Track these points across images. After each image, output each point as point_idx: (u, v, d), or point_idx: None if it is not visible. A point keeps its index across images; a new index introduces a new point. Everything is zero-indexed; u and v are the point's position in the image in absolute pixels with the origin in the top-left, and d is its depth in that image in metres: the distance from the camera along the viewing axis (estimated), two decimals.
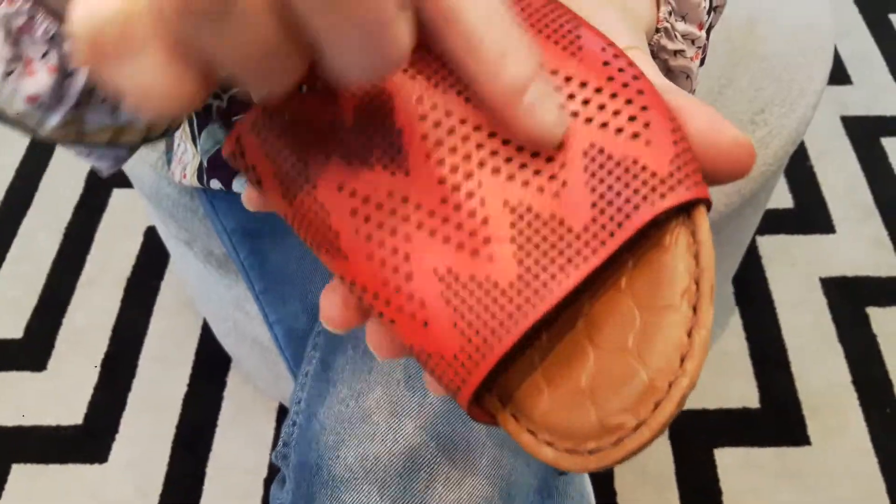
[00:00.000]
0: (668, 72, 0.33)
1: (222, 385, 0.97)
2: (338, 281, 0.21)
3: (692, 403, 0.94)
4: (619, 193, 0.19)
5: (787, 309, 1.01)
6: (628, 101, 0.20)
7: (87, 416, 0.95)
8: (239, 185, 0.48)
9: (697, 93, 0.67)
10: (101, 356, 1.00)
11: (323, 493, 0.33)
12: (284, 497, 0.36)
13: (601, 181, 0.19)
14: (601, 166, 0.19)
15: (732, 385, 0.95)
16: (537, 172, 0.19)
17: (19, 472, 0.90)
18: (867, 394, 0.93)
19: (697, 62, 0.34)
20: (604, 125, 0.19)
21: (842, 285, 1.03)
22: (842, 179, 1.14)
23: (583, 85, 0.20)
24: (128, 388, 0.97)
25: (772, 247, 1.07)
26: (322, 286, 0.45)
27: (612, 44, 0.21)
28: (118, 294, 1.06)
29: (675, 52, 0.32)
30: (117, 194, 1.17)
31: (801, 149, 1.18)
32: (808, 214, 1.10)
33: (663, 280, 0.19)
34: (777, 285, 1.03)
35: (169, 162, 0.58)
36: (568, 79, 0.20)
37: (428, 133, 0.20)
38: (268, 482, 0.89)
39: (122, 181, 1.18)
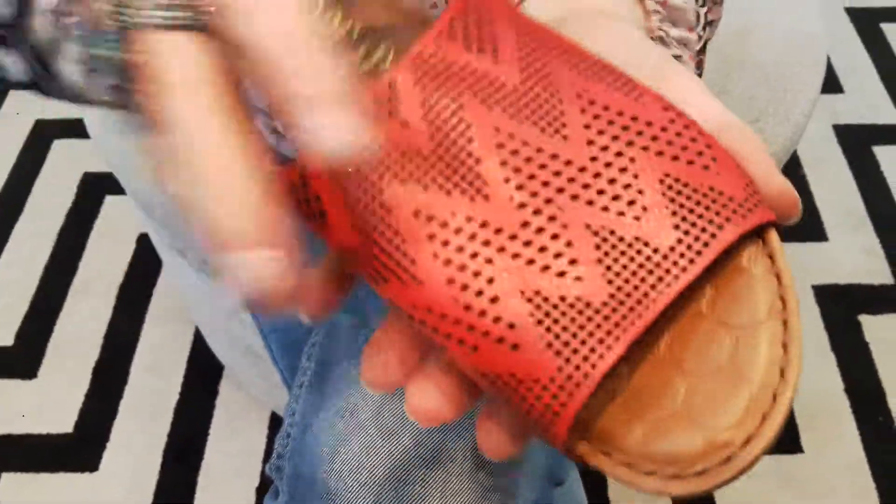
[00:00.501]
0: None
1: (214, 393, 0.97)
2: (386, 337, 0.21)
3: None
4: (700, 216, 0.20)
5: None
6: (693, 140, 0.21)
7: (77, 425, 0.94)
8: None
9: None
10: (93, 364, 0.99)
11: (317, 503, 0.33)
12: None
13: (681, 206, 0.20)
14: (679, 192, 0.20)
15: None
16: (616, 198, 0.20)
17: (9, 481, 0.89)
18: (860, 402, 0.94)
19: (693, 64, 0.34)
20: (675, 158, 0.20)
21: (834, 293, 1.03)
22: (834, 188, 1.15)
23: (649, 124, 0.21)
24: (119, 396, 0.96)
25: None
26: None
27: (662, 97, 0.22)
28: (110, 301, 1.05)
29: (674, 58, 0.32)
30: (110, 201, 1.17)
31: (793, 157, 1.19)
32: (801, 222, 1.10)
33: (749, 300, 0.20)
34: None
35: None
36: (634, 118, 0.21)
37: (506, 160, 0.20)
38: (259, 491, 0.89)
39: (115, 188, 1.18)
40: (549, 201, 0.20)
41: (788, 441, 0.91)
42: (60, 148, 1.24)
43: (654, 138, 0.21)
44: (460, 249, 0.20)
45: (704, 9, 0.37)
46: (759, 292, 0.20)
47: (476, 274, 0.19)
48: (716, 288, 0.20)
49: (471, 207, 0.20)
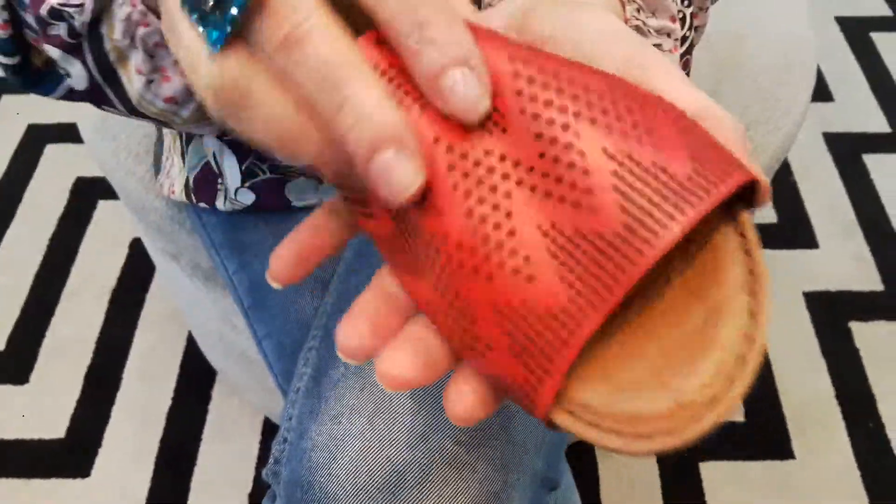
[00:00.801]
0: None
1: (207, 398, 0.97)
2: (363, 303, 0.22)
3: None
4: (712, 159, 0.20)
5: (772, 323, 1.02)
6: (640, 101, 0.21)
7: (69, 430, 0.94)
8: (222, 203, 0.48)
9: None
10: (85, 369, 0.99)
11: None
12: None
13: (698, 146, 0.20)
14: (693, 132, 0.20)
15: None
16: (636, 125, 0.20)
17: (0, 487, 0.89)
18: (850, 408, 0.94)
19: (677, 55, 0.34)
20: (623, 126, 0.20)
21: (825, 300, 1.04)
22: (824, 195, 1.16)
23: (598, 93, 0.21)
24: (111, 402, 0.96)
25: None
26: (311, 300, 0.45)
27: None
28: (103, 306, 1.05)
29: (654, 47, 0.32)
30: (103, 206, 1.17)
31: (784, 165, 1.20)
32: (792, 230, 1.12)
33: (721, 274, 0.20)
34: None
35: (157, 174, 0.58)
36: (586, 88, 0.21)
37: (522, 89, 0.20)
38: (252, 497, 0.89)
39: (108, 193, 1.18)
40: (566, 127, 0.20)
41: (780, 446, 0.91)
42: (53, 152, 1.24)
43: (604, 109, 0.21)
44: (480, 182, 0.20)
45: (690, 9, 0.37)
46: (730, 267, 0.20)
47: (495, 207, 0.20)
48: (689, 263, 0.21)
49: (489, 140, 0.20)
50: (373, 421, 0.33)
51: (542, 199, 0.20)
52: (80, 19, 0.29)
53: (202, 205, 0.48)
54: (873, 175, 1.18)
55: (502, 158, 0.20)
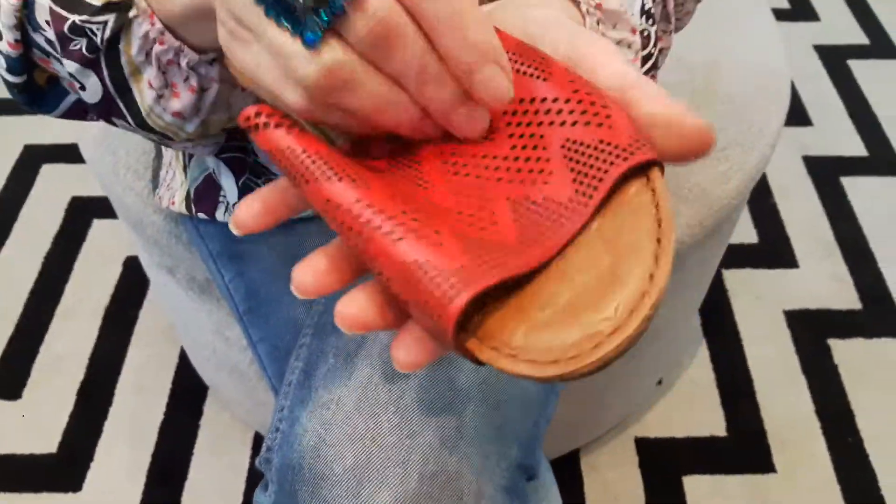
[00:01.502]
0: None
1: (198, 414, 0.98)
2: (323, 250, 0.25)
3: (661, 431, 0.96)
4: (592, 166, 0.24)
5: (753, 341, 1.05)
6: (591, 104, 0.25)
7: (61, 445, 0.95)
8: (222, 214, 0.50)
9: None
10: (78, 385, 1.00)
11: (304, 490, 0.35)
12: (267, 500, 0.38)
13: (578, 161, 0.24)
14: (576, 151, 0.24)
15: (700, 414, 0.97)
16: (530, 171, 0.25)
17: None
18: (830, 423, 0.97)
19: (638, 64, 0.37)
20: (574, 123, 0.25)
21: (805, 318, 1.07)
22: (804, 217, 1.19)
23: (555, 100, 0.25)
24: (104, 417, 0.97)
25: (737, 281, 1.11)
26: (303, 302, 0.48)
27: (570, 69, 0.26)
28: (96, 323, 1.07)
29: None
30: (97, 225, 1.18)
31: (764, 187, 1.23)
32: (772, 250, 1.15)
33: (631, 224, 0.23)
34: (743, 318, 1.07)
35: (155, 188, 0.60)
36: (543, 99, 0.25)
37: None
38: None
39: (103, 212, 1.19)
40: (477, 190, 0.26)
41: (761, 460, 0.93)
42: (49, 172, 1.26)
43: (559, 111, 0.25)
44: (455, 161, 0.26)
45: (654, 27, 0.40)
46: (640, 218, 0.23)
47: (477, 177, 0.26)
48: (604, 216, 0.24)
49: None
50: (359, 407, 0.36)
51: (465, 226, 0.24)
52: (102, 35, 0.31)
53: (201, 215, 0.51)
54: (851, 197, 1.21)
55: (486, 156, 0.25)
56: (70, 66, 0.33)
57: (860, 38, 1.49)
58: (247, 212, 0.26)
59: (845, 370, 1.01)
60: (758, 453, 0.94)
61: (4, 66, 0.35)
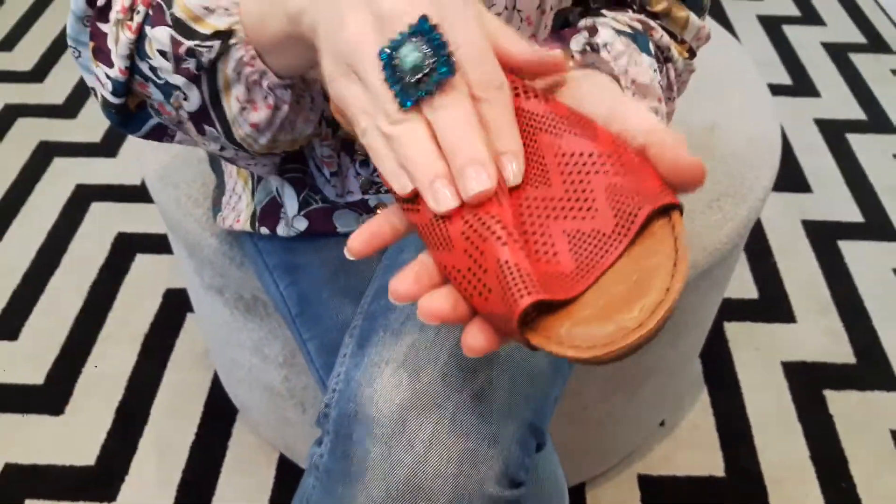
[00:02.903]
0: None
1: (227, 436, 1.04)
2: (409, 266, 0.33)
3: (663, 470, 1.01)
4: (629, 205, 0.32)
5: (752, 389, 1.10)
6: (629, 158, 0.33)
7: (99, 459, 1.01)
8: (283, 229, 0.59)
9: None
10: (116, 404, 1.07)
11: (359, 430, 0.42)
12: (323, 448, 0.45)
13: (618, 202, 0.32)
14: (617, 194, 0.32)
15: (701, 456, 1.03)
16: (580, 209, 0.33)
17: None
18: (824, 469, 1.01)
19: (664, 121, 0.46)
20: (616, 173, 0.33)
21: (801, 370, 1.13)
22: (802, 276, 1.26)
23: (600, 155, 0.33)
24: (139, 435, 1.04)
25: (738, 333, 1.17)
26: (349, 305, 0.56)
27: (612, 132, 0.35)
28: (135, 349, 1.14)
29: None
30: (140, 259, 1.28)
31: (765, 247, 1.31)
32: (772, 305, 1.21)
33: (654, 250, 0.31)
34: (742, 367, 1.13)
35: (215, 214, 0.69)
36: (591, 154, 0.34)
37: (520, 206, 0.34)
38: None
39: (146, 247, 1.29)
40: (541, 224, 0.33)
41: (758, 502, 0.98)
42: (97, 209, 1.36)
43: (603, 163, 0.33)
44: (483, 238, 0.32)
45: (674, 93, 0.49)
46: (662, 246, 0.31)
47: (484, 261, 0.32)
48: (637, 244, 0.32)
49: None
50: (403, 365, 0.43)
51: (564, 218, 0.33)
52: (208, 56, 0.40)
53: (263, 230, 0.59)
54: (847, 259, 1.29)
55: (545, 198, 0.34)
56: (179, 80, 0.41)
57: (858, 113, 1.58)
58: (358, 239, 0.34)
59: (840, 420, 1.07)
60: (755, 495, 0.99)
61: (111, 89, 0.43)
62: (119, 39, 0.41)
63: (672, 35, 0.53)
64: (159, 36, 0.40)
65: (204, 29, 0.40)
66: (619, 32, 0.46)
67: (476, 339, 0.31)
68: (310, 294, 0.58)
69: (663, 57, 0.52)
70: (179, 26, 0.40)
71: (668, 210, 0.32)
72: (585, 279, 0.31)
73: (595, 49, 0.44)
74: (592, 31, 0.46)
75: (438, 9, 0.31)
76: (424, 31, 0.31)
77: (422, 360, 0.44)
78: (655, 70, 0.47)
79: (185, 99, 0.43)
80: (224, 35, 0.40)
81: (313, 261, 0.59)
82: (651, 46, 0.49)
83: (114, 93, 0.44)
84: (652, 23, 0.51)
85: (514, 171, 0.33)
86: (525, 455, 0.45)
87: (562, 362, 0.51)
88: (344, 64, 0.32)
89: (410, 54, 0.31)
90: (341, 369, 0.47)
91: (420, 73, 0.31)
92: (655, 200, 0.31)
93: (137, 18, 0.41)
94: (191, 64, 0.40)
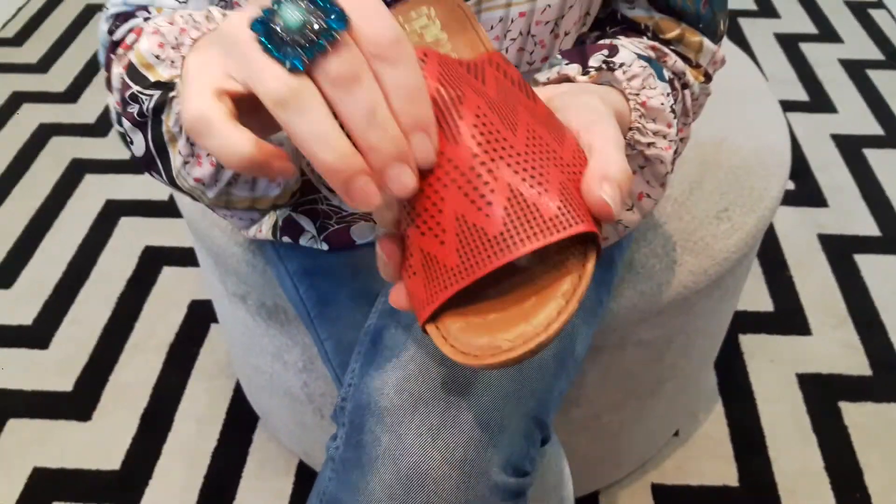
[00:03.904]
0: (646, 158, 0.47)
1: (248, 443, 1.07)
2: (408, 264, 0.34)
3: (677, 479, 1.02)
4: (570, 210, 0.32)
5: (766, 400, 1.11)
6: (582, 171, 0.34)
7: (124, 463, 1.04)
8: (305, 240, 0.62)
9: (674, 191, 0.81)
10: (141, 411, 1.10)
11: (371, 420, 0.45)
12: (338, 441, 0.47)
13: (565, 200, 0.32)
14: (566, 193, 0.32)
15: (714, 466, 1.03)
16: (532, 177, 0.32)
17: None
18: (839, 479, 1.02)
19: (671, 152, 0.47)
20: (569, 177, 0.33)
21: (816, 381, 1.13)
22: (818, 289, 1.26)
23: (562, 157, 0.33)
24: (163, 441, 1.07)
25: (753, 345, 1.18)
26: (364, 306, 0.59)
27: (576, 143, 0.35)
28: (161, 358, 1.18)
29: (649, 144, 0.46)
30: (166, 272, 1.31)
31: (781, 261, 1.31)
32: (787, 318, 1.22)
33: (556, 283, 0.32)
34: (757, 379, 1.14)
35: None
36: (555, 151, 0.34)
37: (476, 124, 0.32)
38: None
39: (172, 260, 1.33)
40: (492, 160, 0.31)
41: None
42: (126, 224, 1.40)
43: (563, 164, 0.33)
44: (438, 177, 0.32)
45: (677, 121, 0.51)
46: (565, 275, 0.32)
47: (432, 190, 0.32)
48: (552, 254, 0.33)
49: (443, 145, 0.31)
50: (413, 359, 0.46)
51: (463, 197, 0.32)
52: (147, 105, 0.41)
53: (286, 239, 0.62)
54: (864, 273, 1.29)
55: (454, 165, 0.31)
56: (126, 124, 0.43)
57: (875, 129, 1.59)
58: (400, 295, 0.35)
59: (855, 431, 1.07)
60: None
61: (115, 118, 0.45)
62: (114, 73, 0.43)
63: (686, 60, 0.54)
64: (115, 75, 0.42)
65: (150, 76, 0.41)
66: (640, 56, 0.48)
67: (398, 298, 0.34)
68: (328, 296, 0.61)
69: (680, 83, 0.53)
70: (131, 70, 0.41)
71: (584, 240, 0.32)
72: (498, 257, 0.31)
73: (611, 68, 0.45)
74: (613, 50, 0.47)
75: None
76: None
77: (431, 354, 0.46)
78: (668, 94, 0.48)
79: (130, 143, 0.44)
80: (164, 86, 0.41)
81: (331, 265, 0.61)
82: (666, 74, 0.50)
83: (116, 121, 0.45)
84: (665, 49, 0.52)
85: (424, 153, 0.29)
86: (530, 446, 0.47)
87: (566, 357, 0.53)
88: (232, 61, 0.29)
89: (290, 13, 0.27)
90: (356, 365, 0.50)
91: (306, 32, 0.27)
92: (574, 224, 0.31)
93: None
94: (134, 109, 0.42)
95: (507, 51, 0.52)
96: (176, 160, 0.43)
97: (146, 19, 0.46)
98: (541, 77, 0.47)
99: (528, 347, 0.31)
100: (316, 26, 0.27)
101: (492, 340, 0.31)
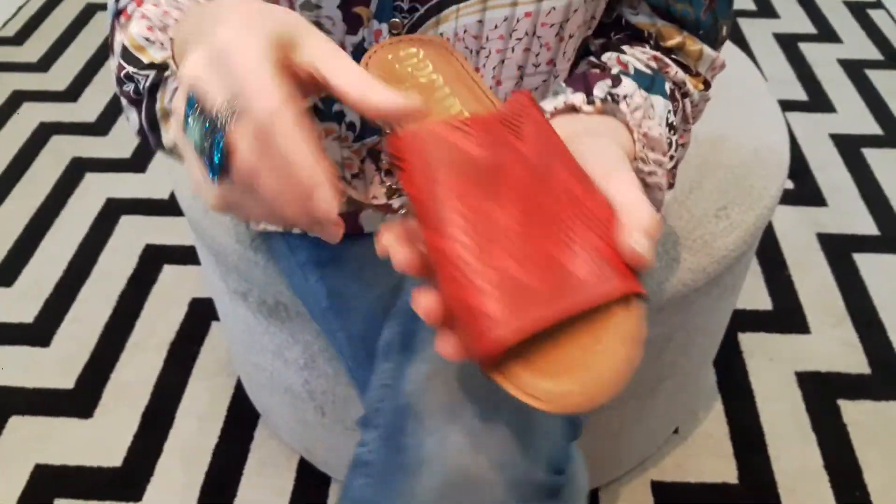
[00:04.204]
0: (646, 185, 0.49)
1: (249, 440, 1.07)
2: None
3: (676, 477, 1.02)
4: (605, 270, 0.33)
5: (766, 399, 1.11)
6: (610, 226, 0.35)
7: (126, 461, 1.04)
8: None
9: (673, 190, 0.81)
10: (143, 409, 1.11)
11: (412, 423, 0.45)
12: (372, 446, 0.47)
13: (597, 259, 0.33)
14: (598, 252, 0.34)
15: (714, 463, 1.04)
16: (564, 242, 0.34)
17: None
18: (838, 477, 1.02)
19: (666, 181, 0.50)
20: (601, 237, 0.34)
21: (815, 380, 1.13)
22: (817, 288, 1.27)
23: (593, 210, 0.35)
24: (164, 438, 1.07)
25: (752, 343, 1.19)
26: (376, 296, 0.59)
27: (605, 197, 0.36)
28: (161, 356, 1.18)
29: (649, 173, 0.48)
30: (167, 270, 1.32)
31: (780, 260, 1.32)
32: (786, 317, 1.22)
33: (609, 328, 0.33)
34: (756, 377, 1.14)
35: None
36: (588, 207, 0.35)
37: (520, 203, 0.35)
38: None
39: (173, 259, 1.33)
40: (532, 231, 0.34)
41: None
42: (127, 222, 1.40)
43: (598, 220, 0.35)
44: (467, 232, 0.33)
45: (676, 136, 0.52)
46: (617, 328, 0.33)
47: (479, 250, 0.33)
48: (598, 311, 0.33)
49: (489, 208, 0.34)
50: (447, 361, 0.46)
51: (547, 237, 0.34)
52: (143, 84, 0.43)
53: (296, 229, 0.62)
54: (862, 272, 1.29)
55: (501, 229, 0.34)
56: (123, 101, 0.46)
57: (874, 129, 1.59)
58: (428, 302, 0.34)
59: (854, 429, 1.07)
60: (768, 503, 1.00)
61: (114, 80, 0.48)
62: (116, 40, 0.46)
63: (686, 69, 0.55)
64: (117, 41, 0.45)
65: (144, 58, 0.43)
66: (639, 74, 0.49)
67: (444, 348, 0.33)
68: (339, 287, 0.61)
69: (680, 93, 0.54)
70: (125, 53, 0.44)
71: (627, 297, 0.33)
72: (549, 308, 0.32)
73: (615, 100, 0.47)
74: (616, 80, 0.49)
75: (217, 60, 0.31)
76: (193, 106, 0.31)
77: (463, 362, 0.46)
78: (670, 111, 0.50)
79: (127, 119, 0.47)
80: (159, 67, 0.43)
81: (342, 255, 0.62)
82: (667, 85, 0.52)
83: (117, 81, 0.48)
84: (667, 59, 0.53)
85: (324, 204, 0.31)
86: (566, 443, 0.47)
87: None
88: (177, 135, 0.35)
89: (193, 132, 0.32)
90: (387, 365, 0.50)
91: (209, 145, 0.31)
92: (629, 283, 0.33)
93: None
94: (129, 88, 0.44)
95: (513, 51, 0.52)
96: (170, 134, 0.45)
97: None
98: (547, 106, 0.48)
99: (602, 398, 0.31)
100: (213, 140, 0.31)
101: (558, 385, 0.32)
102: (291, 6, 0.49)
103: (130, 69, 0.43)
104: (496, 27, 0.50)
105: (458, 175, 0.35)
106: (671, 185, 0.54)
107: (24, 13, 1.96)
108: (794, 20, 1.94)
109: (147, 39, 0.42)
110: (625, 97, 0.47)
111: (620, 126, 0.46)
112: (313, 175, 0.31)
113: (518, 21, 0.50)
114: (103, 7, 1.98)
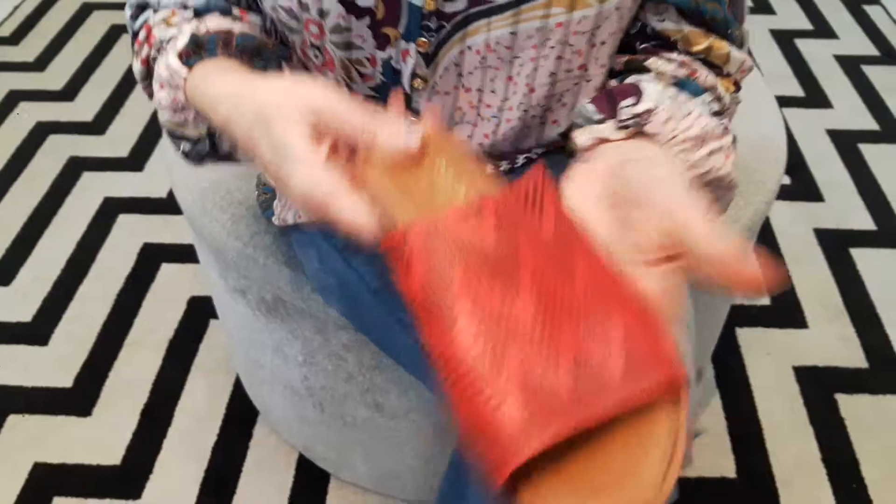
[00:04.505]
0: (706, 184, 0.49)
1: (248, 437, 1.07)
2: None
3: None
4: (641, 357, 0.30)
5: (763, 393, 1.12)
6: (651, 324, 0.32)
7: (125, 458, 1.04)
8: None
9: None
10: (142, 406, 1.11)
11: None
12: None
13: (631, 347, 0.31)
14: (631, 339, 0.31)
15: (712, 458, 1.04)
16: (595, 332, 0.31)
17: None
18: (836, 470, 1.02)
19: (730, 160, 0.50)
20: (635, 322, 0.32)
21: (813, 374, 1.14)
22: (814, 283, 1.27)
23: (623, 297, 0.33)
24: (163, 436, 1.07)
25: (750, 338, 1.19)
26: None
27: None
28: (160, 354, 1.18)
29: (707, 171, 0.49)
30: (165, 268, 1.32)
31: (777, 255, 1.32)
32: (784, 311, 1.23)
33: (652, 426, 0.30)
34: (754, 372, 1.14)
35: (268, 217, 0.75)
36: (615, 293, 0.33)
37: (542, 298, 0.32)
38: None
39: (171, 257, 1.33)
40: (554, 326, 0.31)
41: (769, 503, 0.99)
42: (125, 221, 1.40)
43: (622, 302, 0.32)
44: (480, 336, 0.30)
45: (725, 120, 0.53)
46: (659, 427, 0.30)
47: (493, 354, 0.30)
48: (629, 424, 0.30)
49: (506, 300, 0.31)
50: None
51: (575, 331, 0.31)
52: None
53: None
54: (859, 266, 1.30)
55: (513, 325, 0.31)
56: (136, 65, 0.54)
57: (871, 124, 1.60)
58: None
59: (851, 423, 1.08)
60: (766, 497, 1.00)
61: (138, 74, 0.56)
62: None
63: (716, 69, 0.54)
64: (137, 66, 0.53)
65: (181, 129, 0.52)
66: (664, 77, 0.49)
67: None
68: (386, 268, 0.60)
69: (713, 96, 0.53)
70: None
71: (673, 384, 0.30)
72: (577, 414, 0.29)
73: (642, 124, 0.47)
74: (638, 96, 0.48)
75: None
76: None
77: None
78: (707, 103, 0.49)
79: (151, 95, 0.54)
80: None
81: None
82: (699, 84, 0.51)
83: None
84: (695, 65, 0.52)
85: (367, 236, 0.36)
86: None
87: None
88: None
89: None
90: None
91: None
92: (668, 368, 0.30)
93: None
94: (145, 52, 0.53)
95: (546, 59, 0.52)
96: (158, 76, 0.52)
97: (155, 11, 0.54)
98: (578, 140, 0.49)
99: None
100: None
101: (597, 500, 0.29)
102: (321, 30, 0.50)
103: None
104: (529, 37, 0.50)
105: (469, 269, 0.32)
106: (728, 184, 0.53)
107: (20, 12, 1.96)
108: (791, 16, 1.94)
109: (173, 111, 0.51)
110: (650, 112, 0.47)
111: (657, 146, 0.46)
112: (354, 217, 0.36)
113: (550, 31, 0.50)
114: (99, 7, 1.98)
